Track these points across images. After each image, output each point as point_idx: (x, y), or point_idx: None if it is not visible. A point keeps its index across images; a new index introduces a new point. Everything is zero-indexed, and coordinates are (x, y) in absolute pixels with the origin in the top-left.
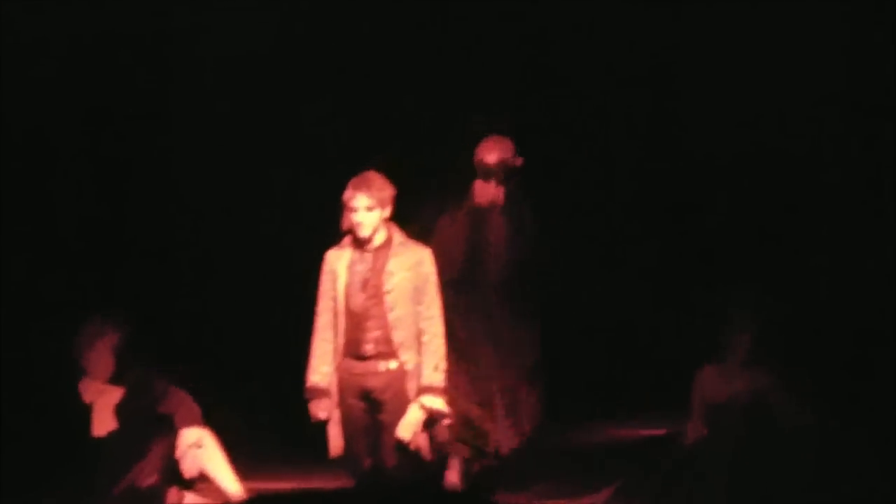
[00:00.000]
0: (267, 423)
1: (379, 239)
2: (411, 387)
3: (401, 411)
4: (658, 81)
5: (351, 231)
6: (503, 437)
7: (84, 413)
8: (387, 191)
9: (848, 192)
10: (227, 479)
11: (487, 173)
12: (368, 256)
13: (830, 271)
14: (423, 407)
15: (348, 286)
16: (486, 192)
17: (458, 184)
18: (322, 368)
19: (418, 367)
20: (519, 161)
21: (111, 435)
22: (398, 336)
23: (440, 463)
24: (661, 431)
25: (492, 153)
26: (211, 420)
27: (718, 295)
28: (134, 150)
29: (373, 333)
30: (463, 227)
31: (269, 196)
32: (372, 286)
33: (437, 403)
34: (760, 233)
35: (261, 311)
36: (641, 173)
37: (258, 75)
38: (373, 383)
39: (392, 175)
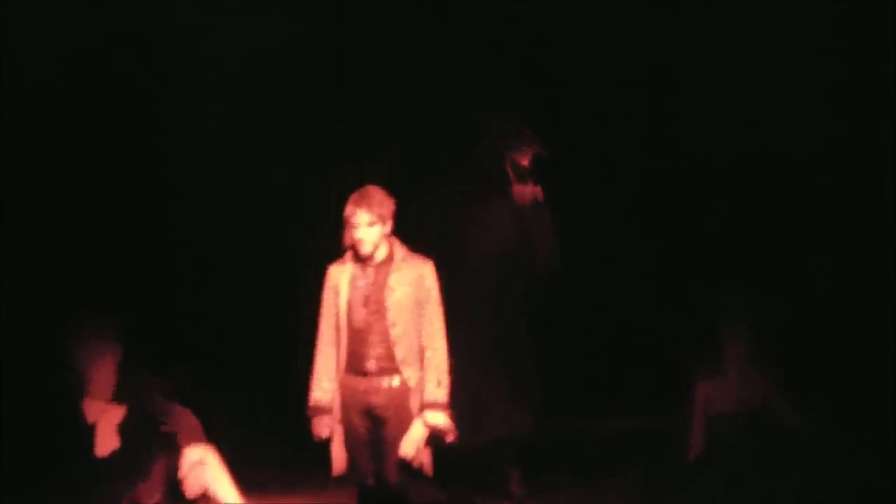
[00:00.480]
0: (268, 434)
1: (380, 254)
2: (414, 403)
3: (404, 428)
4: (658, 81)
5: (352, 247)
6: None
7: (87, 432)
8: (387, 206)
9: (848, 192)
10: (231, 496)
11: (523, 175)
12: (370, 272)
13: (830, 271)
14: (426, 423)
15: (350, 302)
16: (525, 193)
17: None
18: (324, 385)
19: (421, 382)
20: (545, 154)
21: (115, 454)
22: (400, 352)
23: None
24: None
25: (525, 155)
26: (213, 433)
27: (713, 303)
28: (134, 151)
29: (375, 349)
30: (506, 229)
31: (268, 196)
32: (374, 302)
33: (440, 419)
34: (760, 233)
35: (260, 311)
36: (641, 173)
37: (258, 75)
38: (375, 400)
39: (393, 177)
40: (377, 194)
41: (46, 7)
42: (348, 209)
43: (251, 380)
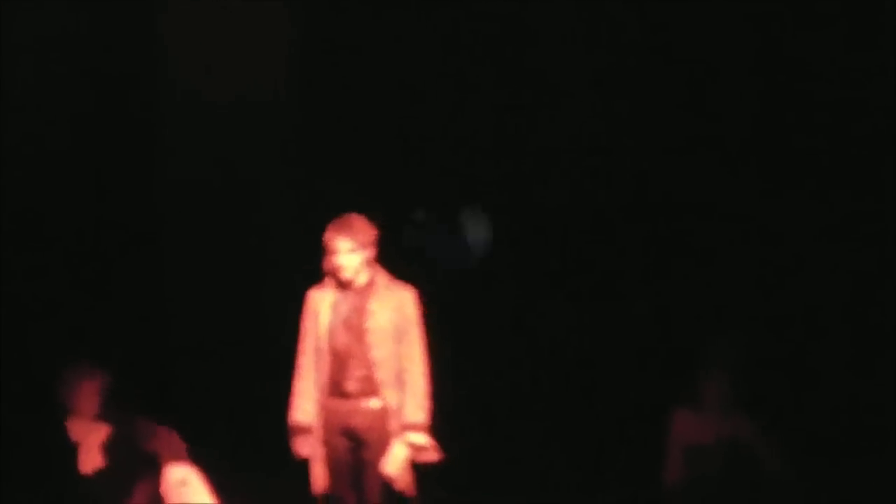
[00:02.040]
0: (250, 450)
1: (361, 280)
2: (394, 425)
3: (384, 449)
4: (657, 81)
5: (333, 273)
6: None
7: (71, 451)
8: (367, 233)
9: (848, 192)
10: None
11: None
12: (351, 297)
13: (829, 273)
14: (407, 443)
15: (331, 326)
16: None
17: None
18: (305, 406)
19: (401, 405)
20: None
21: (98, 473)
22: (381, 375)
23: None
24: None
25: None
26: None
27: (698, 341)
28: (132, 151)
29: (356, 372)
30: None
31: (267, 199)
32: (354, 326)
33: (421, 439)
34: (761, 233)
35: (255, 311)
36: (641, 173)
37: (256, 78)
38: (356, 421)
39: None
40: (357, 221)
41: (46, 7)
42: (328, 235)
43: (231, 397)
